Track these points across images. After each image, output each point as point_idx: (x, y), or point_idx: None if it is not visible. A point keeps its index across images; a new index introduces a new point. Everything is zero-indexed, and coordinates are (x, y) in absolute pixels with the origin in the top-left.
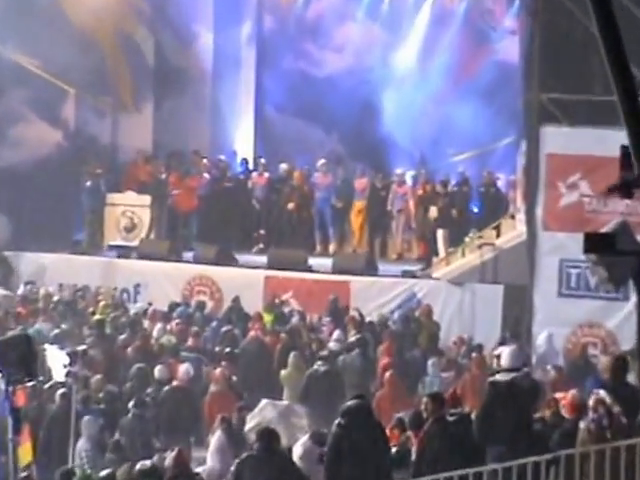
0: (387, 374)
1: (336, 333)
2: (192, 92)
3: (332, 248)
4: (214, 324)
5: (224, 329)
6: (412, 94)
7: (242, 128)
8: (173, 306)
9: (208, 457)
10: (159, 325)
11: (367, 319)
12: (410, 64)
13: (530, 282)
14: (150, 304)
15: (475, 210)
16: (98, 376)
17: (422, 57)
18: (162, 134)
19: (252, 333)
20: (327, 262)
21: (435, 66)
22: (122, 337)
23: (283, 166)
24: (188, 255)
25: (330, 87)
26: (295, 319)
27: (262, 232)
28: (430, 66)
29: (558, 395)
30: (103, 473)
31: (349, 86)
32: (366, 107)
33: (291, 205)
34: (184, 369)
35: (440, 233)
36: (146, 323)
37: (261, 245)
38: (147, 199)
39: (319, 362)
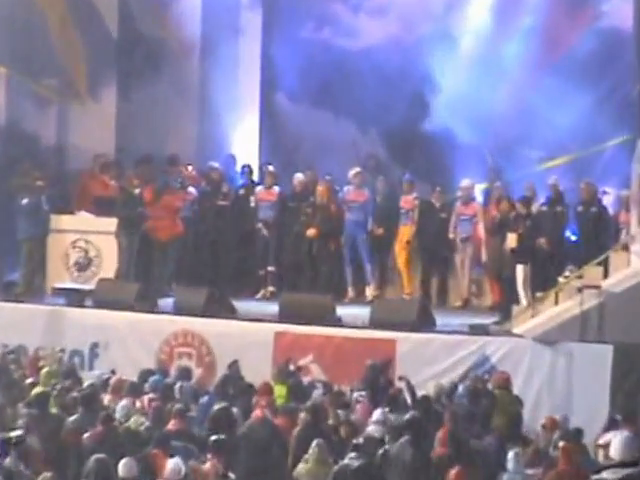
0: (451, 472)
1: (376, 413)
2: (172, 74)
3: (370, 292)
4: (204, 400)
5: (217, 407)
6: (481, 75)
7: (243, 124)
8: (145, 374)
9: None
10: (125, 402)
11: (420, 393)
12: (479, 34)
13: None
14: (113, 372)
15: (572, 238)
16: (46, 474)
17: (495, 24)
18: (129, 132)
19: (257, 412)
20: (363, 312)
21: (514, 36)
22: (73, 418)
23: (299, 177)
24: (166, 302)
25: (365, 66)
26: (318, 393)
27: (271, 269)
28: (506, 36)
29: None
30: None
31: (392, 65)
32: (417, 94)
33: (312, 231)
34: (173, 465)
35: (522, 271)
36: (107, 398)
37: (270, 288)
38: (109, 223)
39: (352, 454)
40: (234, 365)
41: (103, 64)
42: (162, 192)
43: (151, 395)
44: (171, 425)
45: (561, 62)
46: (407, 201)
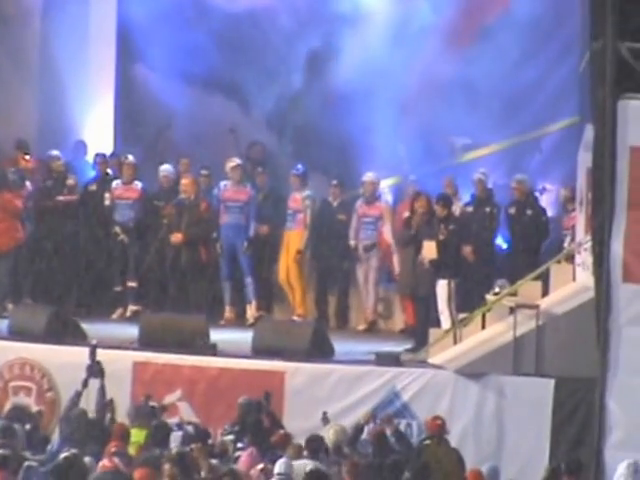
0: None
1: (260, 466)
2: (5, 42)
3: (251, 313)
4: (48, 447)
5: (62, 455)
6: (390, 44)
7: (95, 103)
8: None
9: None
10: None
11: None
12: None
13: (602, 373)
14: None
15: (503, 247)
16: None
17: None
18: None
19: (105, 462)
20: (244, 338)
21: None
22: None
23: (167, 169)
24: None
25: (249, 31)
26: (186, 438)
27: (131, 284)
28: None
29: None
30: None
31: (282, 30)
32: (312, 68)
33: (177, 237)
34: None
35: (444, 287)
36: None
37: (130, 307)
38: None
39: None
40: (77, 399)
41: None
42: None
43: None
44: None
45: (491, 28)
46: (296, 200)
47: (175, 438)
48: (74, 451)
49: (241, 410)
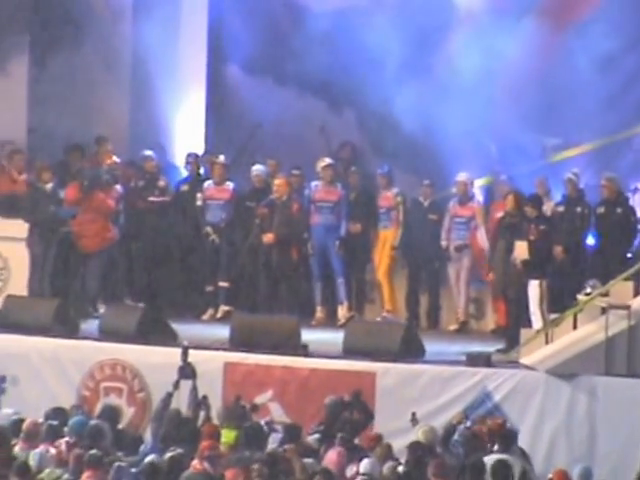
0: None
1: (352, 467)
2: (97, 41)
3: (343, 313)
4: (140, 448)
5: (149, 458)
6: (479, 41)
7: (186, 103)
8: (62, 414)
9: None
10: (41, 449)
11: (407, 439)
12: None
13: None
14: (19, 417)
15: (592, 245)
16: None
17: None
18: (43, 112)
19: (195, 464)
20: (335, 338)
21: None
22: None
23: (259, 169)
24: (91, 325)
25: (339, 32)
26: (278, 438)
27: (222, 284)
28: None
29: None
30: None
31: (372, 31)
32: (403, 64)
33: (268, 237)
34: None
35: (536, 287)
36: (18, 447)
37: (222, 307)
38: (19, 227)
39: None
40: (169, 400)
41: (12, 29)
42: (91, 188)
43: (69, 439)
44: (85, 477)
45: (583, 26)
46: (387, 198)
47: (274, 439)
48: (172, 452)
49: (328, 410)
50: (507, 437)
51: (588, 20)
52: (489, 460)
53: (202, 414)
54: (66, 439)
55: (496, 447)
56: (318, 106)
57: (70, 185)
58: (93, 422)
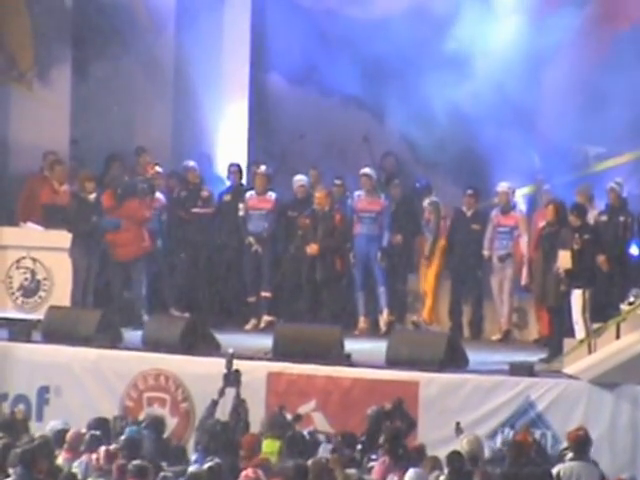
0: None
1: (393, 477)
2: (140, 51)
3: (384, 322)
4: (189, 458)
5: (192, 468)
6: (523, 51)
7: (228, 112)
8: (105, 425)
9: None
10: (83, 458)
11: (448, 448)
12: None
13: None
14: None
15: (636, 254)
16: None
17: None
18: (86, 122)
19: (248, 472)
20: (377, 347)
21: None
22: None
23: (300, 179)
24: (134, 336)
25: (384, 40)
26: (322, 449)
27: (265, 294)
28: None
29: None
30: None
31: (415, 41)
32: (445, 74)
33: (312, 248)
34: None
35: (580, 297)
36: (61, 457)
37: (265, 317)
38: (62, 237)
39: None
40: (212, 408)
41: (55, 39)
42: (125, 197)
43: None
44: None
45: (625, 35)
46: (425, 208)
47: (325, 449)
48: (211, 462)
49: (370, 420)
50: (585, 445)
51: (630, 31)
52: (565, 468)
53: (241, 417)
54: (104, 448)
55: (570, 455)
56: (361, 116)
57: (104, 193)
58: (135, 430)
